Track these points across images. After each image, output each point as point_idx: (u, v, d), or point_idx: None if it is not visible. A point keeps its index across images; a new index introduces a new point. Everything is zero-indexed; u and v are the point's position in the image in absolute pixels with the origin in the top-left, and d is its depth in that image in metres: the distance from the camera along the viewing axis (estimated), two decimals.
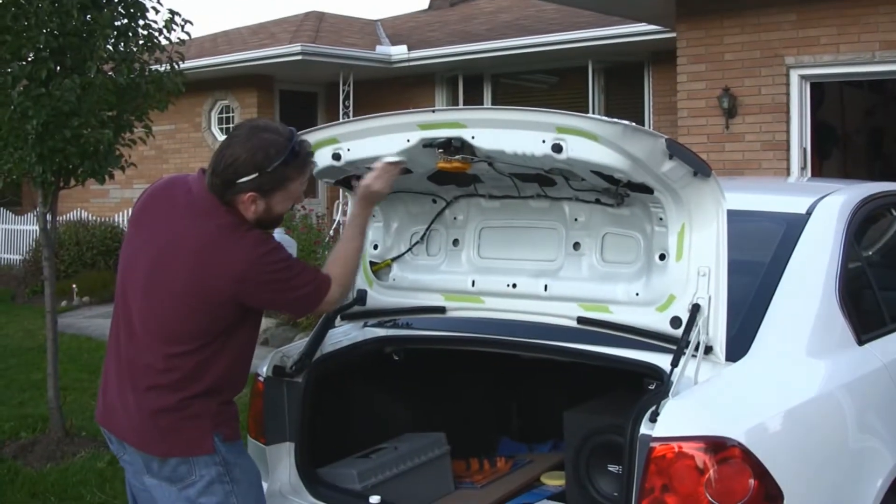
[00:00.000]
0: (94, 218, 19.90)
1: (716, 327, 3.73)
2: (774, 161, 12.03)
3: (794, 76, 11.96)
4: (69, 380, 10.25)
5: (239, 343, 3.72)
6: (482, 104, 17.16)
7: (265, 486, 4.27)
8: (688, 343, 3.66)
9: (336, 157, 4.12)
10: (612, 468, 4.51)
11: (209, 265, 3.55)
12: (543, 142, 3.63)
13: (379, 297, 4.57)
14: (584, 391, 4.91)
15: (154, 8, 8.03)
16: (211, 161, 3.64)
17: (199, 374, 3.62)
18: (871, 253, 5.10)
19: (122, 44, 7.83)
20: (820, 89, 13.04)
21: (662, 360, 3.74)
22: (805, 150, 12.02)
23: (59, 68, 7.47)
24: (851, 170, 15.00)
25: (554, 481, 5.01)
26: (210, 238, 3.57)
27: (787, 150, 12.00)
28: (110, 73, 7.70)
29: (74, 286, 16.96)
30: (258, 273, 3.56)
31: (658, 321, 3.88)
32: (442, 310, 4.45)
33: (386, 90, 18.79)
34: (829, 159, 14.49)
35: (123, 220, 19.59)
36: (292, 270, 3.65)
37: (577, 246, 4.24)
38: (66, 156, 7.43)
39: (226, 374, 3.69)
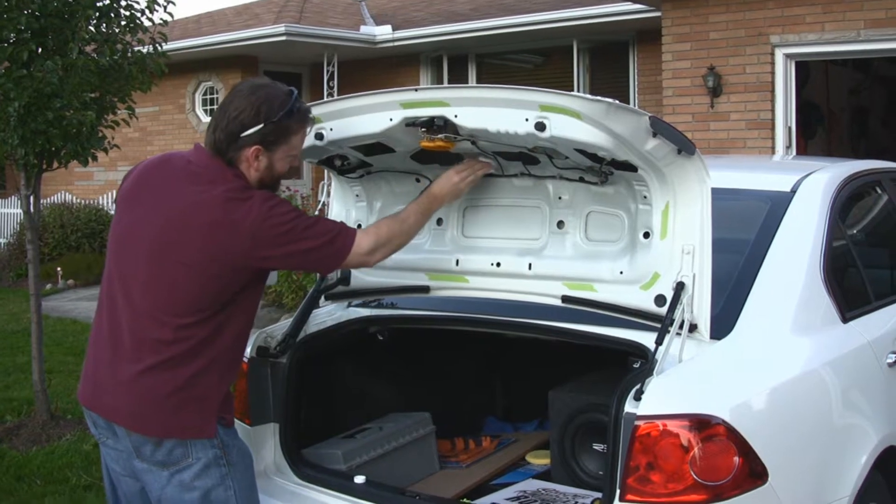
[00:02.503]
0: (78, 201, 19.83)
1: (700, 305, 3.72)
2: (759, 140, 12.04)
3: (779, 55, 11.96)
4: (54, 363, 10.24)
5: (242, 314, 3.69)
6: (467, 84, 17.12)
7: None
8: (672, 321, 3.66)
9: (319, 136, 4.10)
10: (598, 447, 4.52)
11: (221, 229, 3.53)
12: (527, 120, 3.62)
13: (363, 276, 4.55)
14: (568, 370, 4.92)
15: None
16: (213, 119, 3.68)
17: (207, 346, 3.59)
18: (855, 231, 5.11)
19: (105, 25, 7.78)
20: (805, 68, 13.04)
21: (647, 339, 3.74)
22: (790, 128, 12.03)
23: (40, 50, 7.43)
24: (836, 149, 15.02)
25: (539, 460, 5.02)
26: (219, 203, 3.56)
27: (772, 128, 12.01)
28: (93, 55, 7.66)
29: (59, 269, 16.92)
30: (270, 226, 3.54)
31: (642, 299, 3.87)
32: (426, 289, 4.44)
33: (370, 71, 18.73)
34: (813, 138, 14.51)
35: (108, 203, 19.54)
36: (306, 220, 3.64)
37: (561, 224, 4.23)
38: (49, 137, 7.38)
39: (231, 347, 3.67)
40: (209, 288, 3.57)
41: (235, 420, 4.36)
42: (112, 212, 3.86)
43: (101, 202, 19.81)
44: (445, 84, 17.22)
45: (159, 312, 3.59)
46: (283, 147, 3.69)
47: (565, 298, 4.09)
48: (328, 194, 4.72)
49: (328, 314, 4.74)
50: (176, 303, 3.58)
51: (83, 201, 19.68)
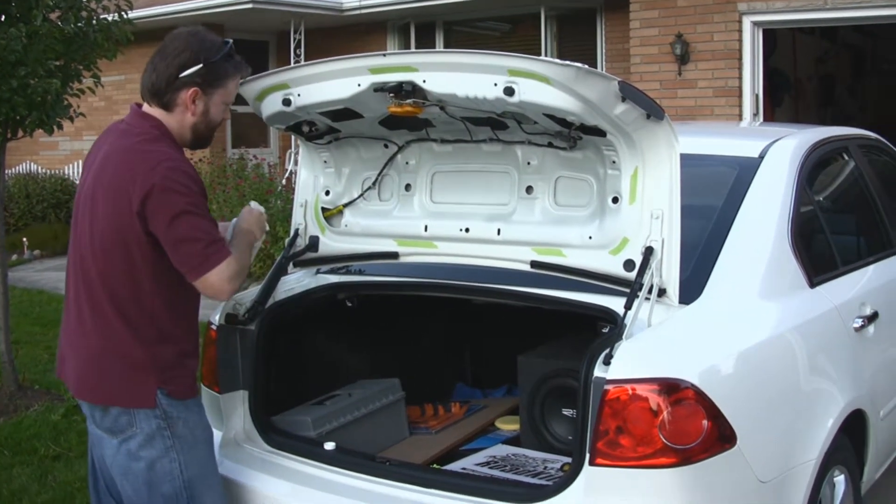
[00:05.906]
0: (43, 171, 19.69)
1: (669, 270, 3.73)
2: (727, 107, 12.07)
3: (747, 22, 11.97)
4: (21, 333, 10.18)
5: (163, 285, 3.65)
6: (435, 49, 17.02)
7: (219, 434, 4.26)
8: (641, 286, 3.67)
9: (286, 102, 4.08)
10: (567, 412, 4.54)
11: (125, 171, 3.58)
12: (495, 85, 3.61)
13: (331, 243, 4.54)
14: (537, 335, 4.93)
15: None
16: (150, 62, 3.74)
17: (131, 314, 3.61)
18: (822, 197, 5.13)
19: None
20: (772, 36, 13.06)
21: (616, 303, 3.74)
22: (757, 96, 12.07)
23: (3, 17, 7.35)
24: (803, 116, 15.08)
25: (509, 426, 5.04)
26: (129, 147, 3.64)
27: (740, 96, 12.05)
28: (57, 22, 7.58)
29: (25, 240, 16.79)
30: (164, 181, 3.51)
31: (611, 264, 3.87)
32: (395, 255, 4.43)
33: (338, 38, 18.62)
34: (781, 106, 14.56)
35: (74, 172, 19.40)
36: (198, 207, 3.59)
37: (529, 189, 4.22)
38: (13, 106, 7.30)
39: (165, 318, 3.67)
40: (114, 240, 3.59)
41: (205, 388, 4.36)
42: (78, 181, 3.89)
43: (66, 172, 19.64)
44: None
45: (88, 273, 3.67)
46: (220, 91, 3.76)
47: (534, 264, 4.08)
48: (295, 162, 4.71)
49: (297, 281, 4.72)
50: (98, 260, 3.63)
51: (48, 171, 19.53)
